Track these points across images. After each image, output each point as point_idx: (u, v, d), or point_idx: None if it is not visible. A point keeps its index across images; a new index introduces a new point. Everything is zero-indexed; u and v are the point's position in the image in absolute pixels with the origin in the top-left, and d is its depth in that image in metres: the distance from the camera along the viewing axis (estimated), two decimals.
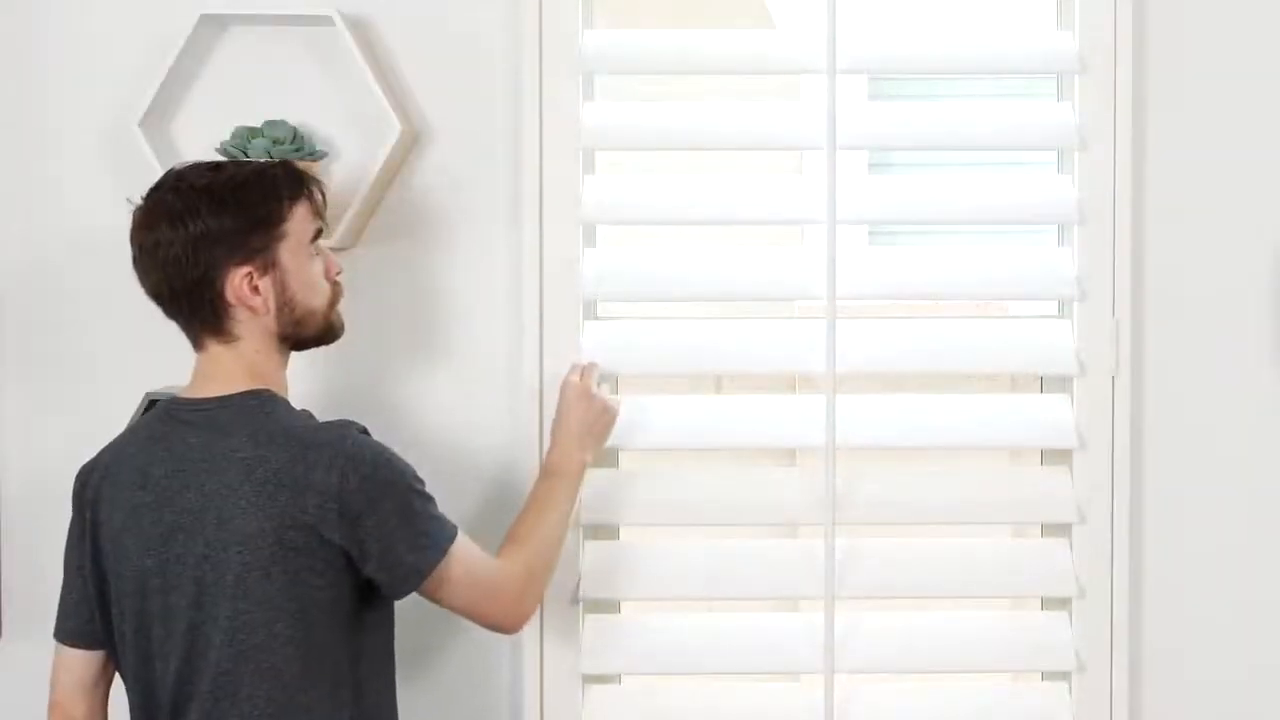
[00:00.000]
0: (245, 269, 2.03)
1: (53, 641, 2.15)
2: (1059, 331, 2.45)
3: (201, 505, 2.00)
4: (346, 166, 2.45)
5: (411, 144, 2.46)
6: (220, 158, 2.35)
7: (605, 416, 2.32)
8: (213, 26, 2.43)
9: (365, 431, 2.07)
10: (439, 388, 2.48)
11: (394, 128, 2.38)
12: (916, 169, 2.87)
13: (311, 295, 2.10)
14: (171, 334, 2.32)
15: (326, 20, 2.39)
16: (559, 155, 2.41)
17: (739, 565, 2.43)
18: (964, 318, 2.47)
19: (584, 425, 2.29)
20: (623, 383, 2.45)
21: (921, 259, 2.43)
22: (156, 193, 2.06)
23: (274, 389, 2.08)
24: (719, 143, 2.43)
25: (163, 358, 2.37)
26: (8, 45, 2.47)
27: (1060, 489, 2.44)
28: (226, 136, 2.40)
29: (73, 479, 2.12)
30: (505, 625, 2.14)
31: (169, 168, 2.12)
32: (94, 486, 2.09)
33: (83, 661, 2.14)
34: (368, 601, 2.06)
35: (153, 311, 2.19)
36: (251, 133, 2.39)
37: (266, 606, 1.98)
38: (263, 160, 2.16)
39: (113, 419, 2.27)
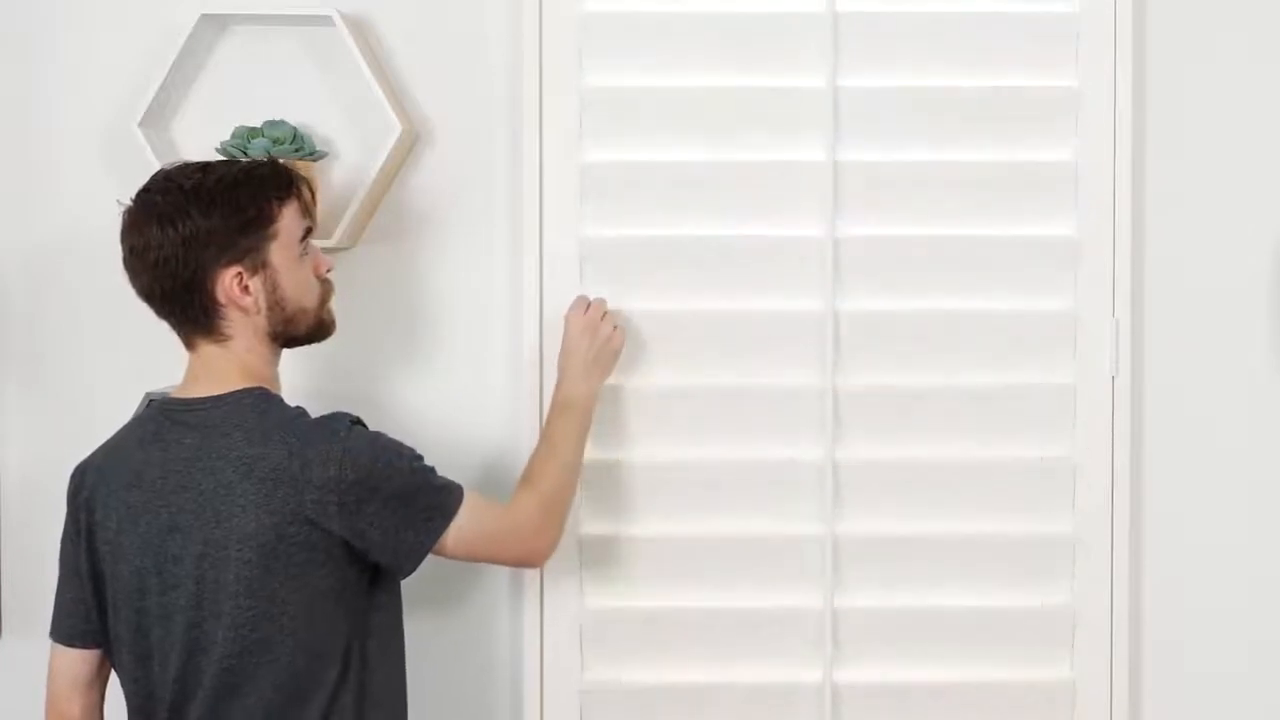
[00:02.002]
0: (235, 269, 2.03)
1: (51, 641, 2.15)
2: (1059, 330, 2.44)
3: (198, 504, 2.00)
4: (346, 166, 2.45)
5: (411, 144, 2.46)
6: (219, 156, 2.36)
7: (610, 346, 2.36)
8: (213, 26, 2.43)
9: (359, 421, 2.08)
10: (439, 387, 2.48)
11: (394, 128, 2.38)
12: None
13: (302, 294, 2.10)
14: (171, 334, 2.32)
15: (326, 20, 2.40)
16: (559, 154, 2.42)
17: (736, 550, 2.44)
18: (963, 314, 2.46)
19: (589, 356, 2.34)
20: (620, 377, 2.44)
21: (920, 253, 2.43)
22: (145, 194, 2.05)
23: (267, 387, 2.09)
24: (718, 132, 2.44)
25: (162, 358, 2.36)
26: (8, 45, 2.47)
27: (1060, 489, 2.44)
28: (226, 136, 2.40)
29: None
30: (528, 561, 2.25)
31: (158, 168, 2.12)
32: (88, 487, 2.09)
33: (79, 661, 2.14)
34: (375, 582, 2.08)
35: (152, 312, 2.19)
36: (251, 133, 2.39)
37: (270, 601, 1.98)
38: (249, 159, 2.16)
39: (112, 419, 2.27)
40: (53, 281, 2.49)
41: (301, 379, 2.37)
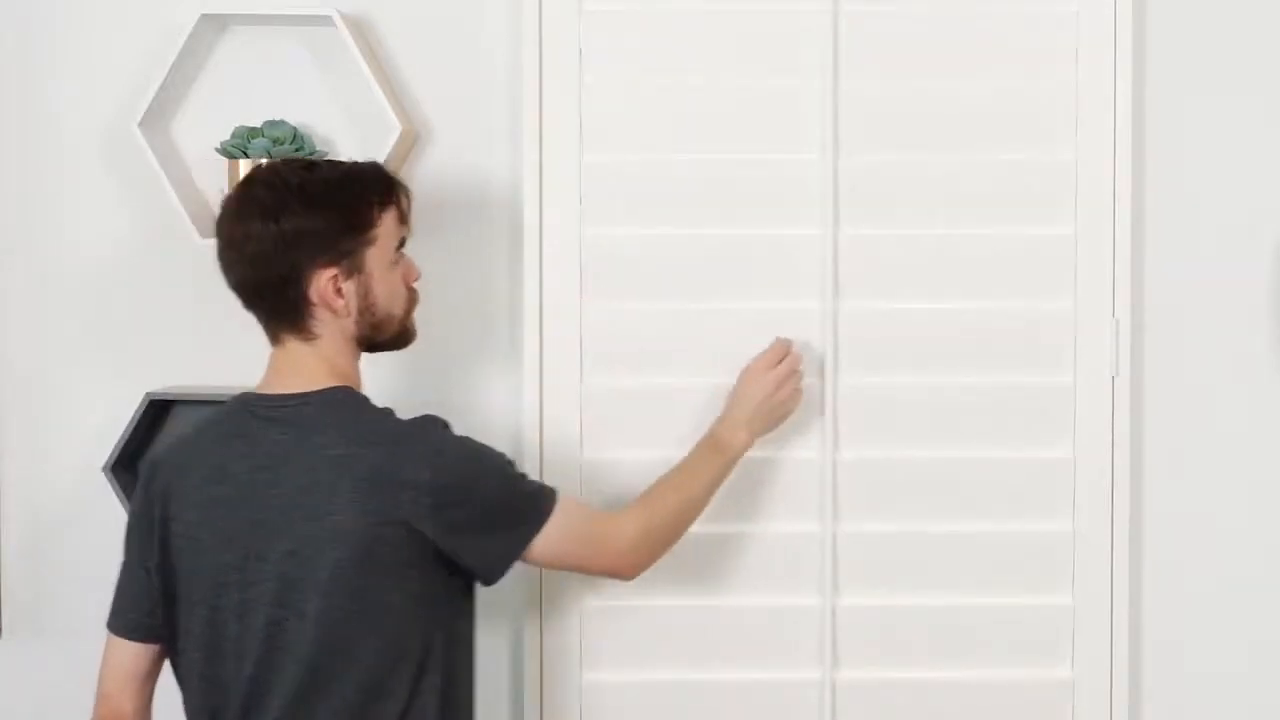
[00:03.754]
0: (331, 271, 2.01)
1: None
2: (1059, 330, 2.45)
3: (289, 502, 1.98)
4: None
5: (411, 144, 2.46)
6: (219, 157, 2.36)
7: (784, 408, 2.35)
8: (213, 26, 2.43)
9: (448, 426, 2.07)
10: (438, 387, 2.48)
11: (394, 128, 2.38)
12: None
13: (392, 301, 2.09)
14: (172, 335, 2.33)
15: (326, 20, 2.40)
16: (559, 155, 2.42)
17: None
18: (963, 314, 2.47)
19: (760, 405, 2.32)
20: (620, 377, 2.44)
21: (920, 253, 2.44)
22: (248, 186, 2.04)
23: (353, 386, 2.08)
24: (718, 132, 2.44)
25: (163, 358, 2.37)
26: (8, 45, 2.47)
27: (1060, 489, 2.44)
28: (226, 136, 2.40)
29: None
30: (617, 575, 2.19)
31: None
32: (164, 480, 2.06)
33: (136, 654, 2.11)
34: (460, 588, 2.09)
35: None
36: (251, 133, 2.39)
37: (359, 600, 1.97)
38: (354, 161, 2.13)
39: (113, 419, 2.27)
40: (53, 282, 2.49)
41: None
